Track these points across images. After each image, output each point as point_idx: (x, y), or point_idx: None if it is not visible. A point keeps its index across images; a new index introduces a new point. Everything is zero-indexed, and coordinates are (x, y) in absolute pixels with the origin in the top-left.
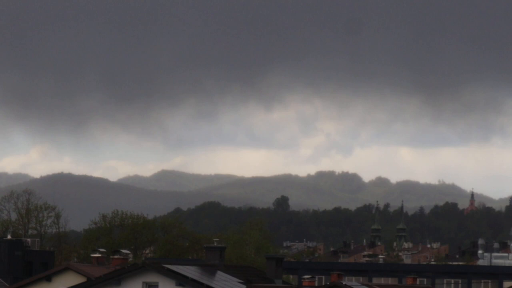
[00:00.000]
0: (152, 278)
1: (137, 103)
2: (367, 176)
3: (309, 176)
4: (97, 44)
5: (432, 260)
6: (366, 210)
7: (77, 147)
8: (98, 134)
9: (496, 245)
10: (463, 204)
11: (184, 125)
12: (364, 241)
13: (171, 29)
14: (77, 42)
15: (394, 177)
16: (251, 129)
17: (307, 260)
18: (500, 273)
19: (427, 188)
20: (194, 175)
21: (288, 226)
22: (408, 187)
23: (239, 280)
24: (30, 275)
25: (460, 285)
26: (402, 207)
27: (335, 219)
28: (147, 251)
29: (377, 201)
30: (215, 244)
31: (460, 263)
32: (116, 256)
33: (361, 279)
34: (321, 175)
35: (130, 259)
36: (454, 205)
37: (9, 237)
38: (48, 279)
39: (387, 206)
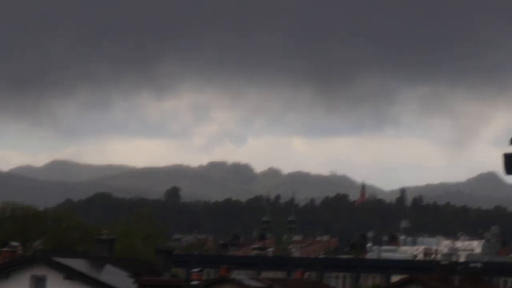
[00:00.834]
0: (40, 271)
1: (28, 92)
2: (259, 166)
3: (201, 167)
4: None
5: (322, 253)
6: (257, 202)
7: None
8: None
9: (385, 238)
10: (354, 196)
11: (76, 114)
12: (254, 233)
13: (64, 16)
14: None
15: (286, 168)
16: (143, 118)
17: (197, 253)
18: (388, 267)
19: (319, 179)
20: (86, 165)
21: (179, 217)
22: (300, 178)
23: (128, 274)
24: None
25: (348, 278)
26: (293, 199)
27: (226, 210)
28: (37, 243)
29: (268, 193)
30: (105, 237)
31: (349, 256)
32: (4, 249)
33: (250, 272)
34: (213, 165)
35: (20, 252)
36: (345, 196)
37: None
38: None
39: (278, 197)
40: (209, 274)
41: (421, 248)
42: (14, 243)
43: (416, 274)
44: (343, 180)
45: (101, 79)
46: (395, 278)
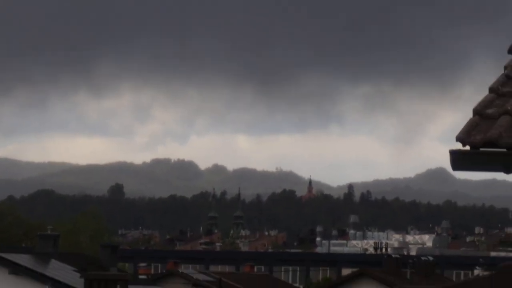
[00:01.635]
0: None
1: None
2: (203, 163)
3: (144, 164)
4: None
5: (270, 248)
6: (202, 198)
7: None
8: None
9: (334, 232)
10: (301, 192)
11: (15, 113)
12: (201, 228)
13: (1, 15)
14: None
15: (231, 165)
16: (83, 117)
17: (143, 248)
18: (338, 260)
19: (265, 175)
20: (28, 163)
21: (124, 214)
22: (245, 174)
23: (74, 268)
24: None
25: (298, 272)
26: (239, 195)
27: (171, 206)
28: None
29: (213, 189)
30: (49, 232)
31: (299, 250)
32: None
33: (198, 266)
34: (157, 162)
35: None
36: (292, 192)
37: None
38: None
39: (224, 193)
40: (156, 269)
41: (371, 242)
42: None
43: (367, 268)
44: (290, 176)
45: (38, 81)
46: (346, 272)
